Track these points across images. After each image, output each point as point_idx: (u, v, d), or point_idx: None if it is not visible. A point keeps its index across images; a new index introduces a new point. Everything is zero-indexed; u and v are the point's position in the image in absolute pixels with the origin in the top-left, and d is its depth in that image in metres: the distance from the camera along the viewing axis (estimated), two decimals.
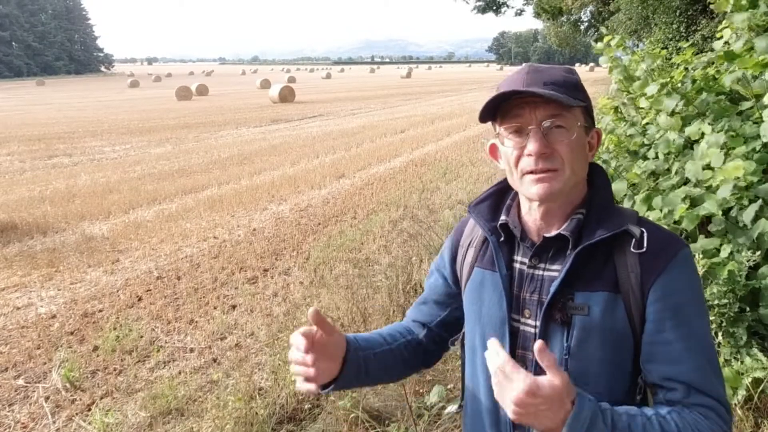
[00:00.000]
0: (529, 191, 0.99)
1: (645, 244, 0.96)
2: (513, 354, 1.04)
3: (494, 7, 22.47)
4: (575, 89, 0.99)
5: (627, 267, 0.96)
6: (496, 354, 0.86)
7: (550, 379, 0.81)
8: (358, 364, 1.09)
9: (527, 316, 1.03)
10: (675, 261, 0.95)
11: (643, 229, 0.98)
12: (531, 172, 0.98)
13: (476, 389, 1.13)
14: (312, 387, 1.01)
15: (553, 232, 1.01)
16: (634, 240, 0.97)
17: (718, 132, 2.69)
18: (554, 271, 1.01)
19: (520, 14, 22.95)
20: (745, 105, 2.81)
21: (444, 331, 1.24)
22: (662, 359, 0.95)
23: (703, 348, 0.95)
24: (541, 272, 1.03)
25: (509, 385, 0.82)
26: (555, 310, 0.98)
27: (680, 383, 0.93)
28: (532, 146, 0.96)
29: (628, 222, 0.99)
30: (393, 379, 1.27)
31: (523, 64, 1.05)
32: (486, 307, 1.08)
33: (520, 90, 0.95)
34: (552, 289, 0.98)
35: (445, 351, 1.29)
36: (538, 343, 0.81)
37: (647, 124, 3.32)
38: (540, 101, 0.95)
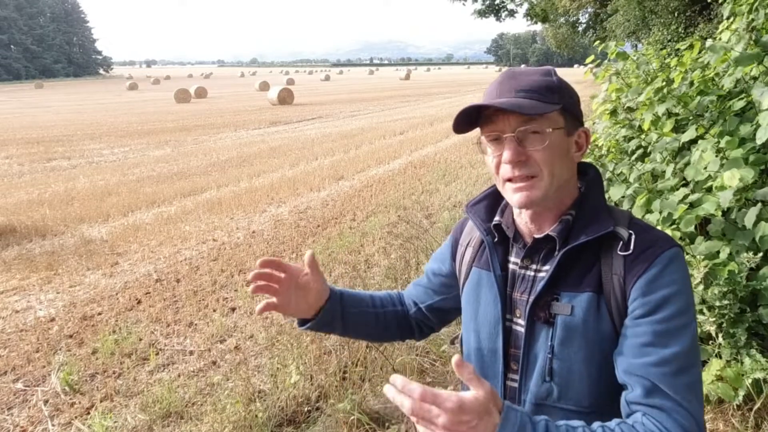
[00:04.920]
0: (511, 199, 1.02)
1: (632, 247, 0.96)
2: (506, 352, 1.06)
3: (495, 11, 22.33)
4: (549, 92, 0.98)
5: (611, 269, 0.97)
6: (405, 391, 0.77)
7: (474, 392, 0.78)
8: (333, 313, 1.22)
9: (518, 315, 1.05)
10: (658, 260, 0.94)
11: (631, 232, 0.98)
12: (510, 180, 0.99)
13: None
14: (272, 300, 1.14)
15: (543, 234, 1.03)
16: (621, 242, 0.98)
17: (713, 135, 2.70)
18: (544, 272, 1.03)
19: (512, 15, 22.78)
20: (738, 105, 2.81)
21: (430, 315, 1.32)
22: (628, 351, 0.93)
23: (675, 348, 0.90)
24: (532, 273, 1.05)
25: (433, 412, 0.75)
26: (539, 310, 1.00)
27: (639, 377, 0.90)
28: (506, 155, 0.97)
29: (617, 224, 0.99)
30: (371, 338, 1.39)
31: (503, 70, 1.06)
32: (482, 307, 1.11)
33: (484, 105, 0.97)
34: (537, 289, 1.00)
35: (426, 334, 1.38)
36: (455, 358, 0.77)
37: (648, 129, 3.33)
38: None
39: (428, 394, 0.75)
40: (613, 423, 0.89)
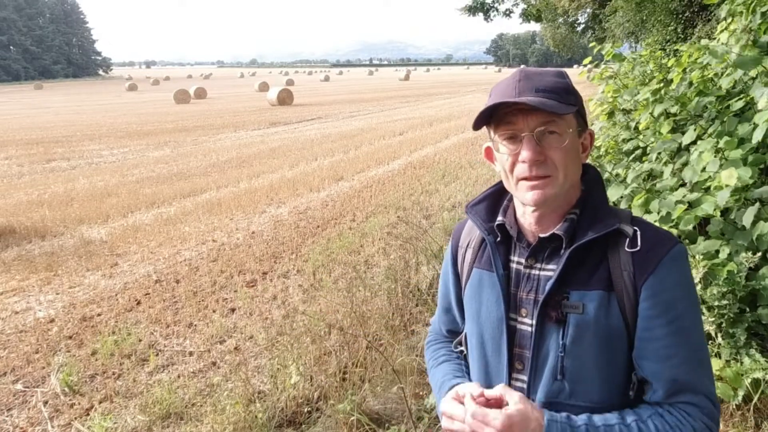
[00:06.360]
0: (524, 197, 1.01)
1: (639, 243, 0.98)
2: (510, 352, 1.06)
3: (484, 10, 22.10)
4: (567, 93, 0.99)
5: (620, 265, 0.98)
6: (457, 407, 0.94)
7: (512, 404, 0.92)
8: None
9: (524, 315, 1.05)
10: (667, 258, 0.96)
11: (636, 228, 1.00)
12: (525, 179, 0.99)
13: None
14: None
15: (548, 233, 1.03)
16: (627, 239, 0.99)
17: (711, 135, 2.70)
18: (550, 271, 1.03)
19: (508, 15, 22.60)
20: (737, 105, 2.81)
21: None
22: (652, 355, 0.97)
23: (692, 343, 0.97)
24: (537, 272, 1.05)
25: (486, 427, 0.90)
26: (550, 309, 1.00)
27: (666, 379, 0.95)
28: (525, 154, 0.97)
29: (621, 221, 1.01)
30: None
31: (516, 69, 1.06)
32: (485, 307, 1.10)
33: (512, 101, 0.96)
34: (547, 288, 1.00)
35: None
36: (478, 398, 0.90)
37: (645, 129, 3.34)
38: (532, 108, 0.96)
39: (480, 409, 0.93)
40: (645, 414, 0.96)
